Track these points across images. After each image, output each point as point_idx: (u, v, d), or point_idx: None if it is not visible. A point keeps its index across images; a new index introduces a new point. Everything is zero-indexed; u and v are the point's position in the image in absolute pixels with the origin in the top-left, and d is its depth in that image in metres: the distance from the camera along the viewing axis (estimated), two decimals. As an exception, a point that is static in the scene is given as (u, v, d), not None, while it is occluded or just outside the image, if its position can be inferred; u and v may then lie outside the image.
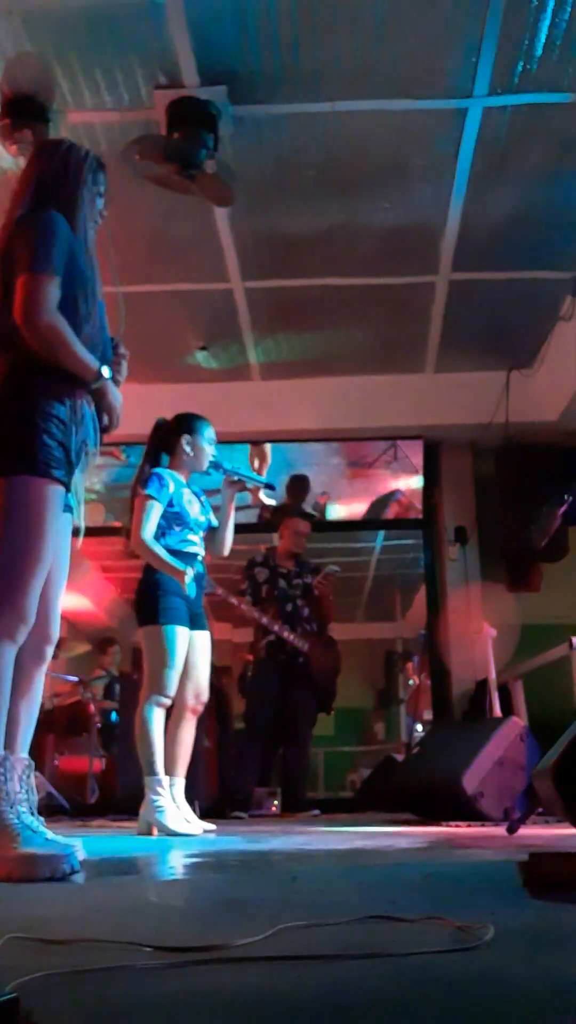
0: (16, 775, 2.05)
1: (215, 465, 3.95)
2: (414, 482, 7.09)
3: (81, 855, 1.98)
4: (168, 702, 3.70)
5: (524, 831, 3.12)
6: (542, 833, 3.31)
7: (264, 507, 6.95)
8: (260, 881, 1.98)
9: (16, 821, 1.98)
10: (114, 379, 2.38)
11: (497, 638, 4.91)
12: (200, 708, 3.85)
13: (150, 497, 3.74)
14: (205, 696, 3.86)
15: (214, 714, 5.70)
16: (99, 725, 6.45)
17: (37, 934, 1.11)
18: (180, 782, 3.75)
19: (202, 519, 3.91)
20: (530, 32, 3.63)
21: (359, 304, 5.70)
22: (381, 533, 8.59)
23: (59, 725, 6.43)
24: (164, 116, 3.93)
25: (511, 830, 3.07)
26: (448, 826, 3.84)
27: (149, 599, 3.75)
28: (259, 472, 6.73)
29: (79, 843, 2.05)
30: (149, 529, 3.71)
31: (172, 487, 3.80)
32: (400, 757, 6.18)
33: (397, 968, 0.97)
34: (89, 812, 5.49)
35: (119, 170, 4.02)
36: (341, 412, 6.60)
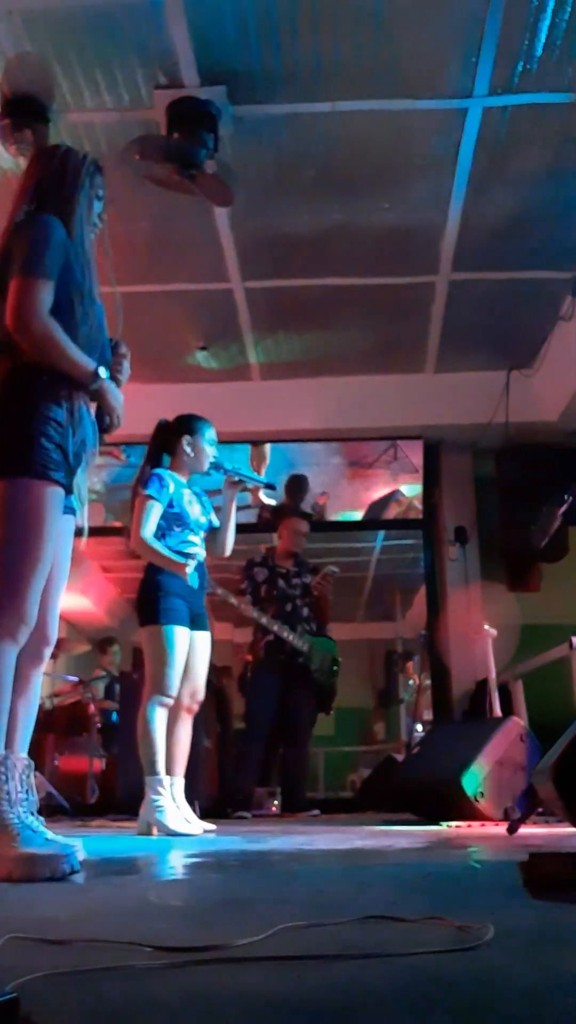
0: (16, 775, 2.06)
1: (216, 466, 3.95)
2: (414, 483, 7.09)
3: (81, 855, 1.98)
4: (170, 702, 3.71)
5: (524, 831, 3.12)
6: (542, 833, 3.31)
7: (263, 507, 6.96)
8: (260, 881, 1.98)
9: (16, 821, 1.98)
10: (116, 379, 2.40)
11: (497, 638, 4.91)
12: (196, 707, 3.87)
13: (150, 497, 3.75)
14: (201, 695, 3.88)
15: (214, 714, 5.71)
16: (99, 725, 6.45)
17: (37, 934, 1.11)
18: (180, 782, 3.76)
19: (203, 520, 3.92)
20: (530, 32, 3.63)
21: (359, 304, 5.70)
22: (381, 533, 8.59)
23: (59, 725, 6.44)
24: (164, 116, 3.93)
25: (511, 830, 3.07)
26: (448, 826, 3.84)
27: (150, 599, 3.76)
28: (258, 473, 6.73)
29: (79, 843, 2.05)
30: (149, 528, 3.72)
31: (172, 488, 3.81)
32: (400, 757, 6.18)
33: (397, 968, 0.97)
34: (89, 812, 5.49)
35: (119, 170, 4.03)
36: (341, 412, 6.60)
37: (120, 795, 5.03)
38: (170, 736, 3.74)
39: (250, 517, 6.83)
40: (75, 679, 6.78)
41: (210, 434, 3.98)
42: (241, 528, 4.10)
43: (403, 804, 4.63)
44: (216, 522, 3.98)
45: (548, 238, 5.00)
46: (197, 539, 3.88)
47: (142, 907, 1.55)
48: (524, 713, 5.24)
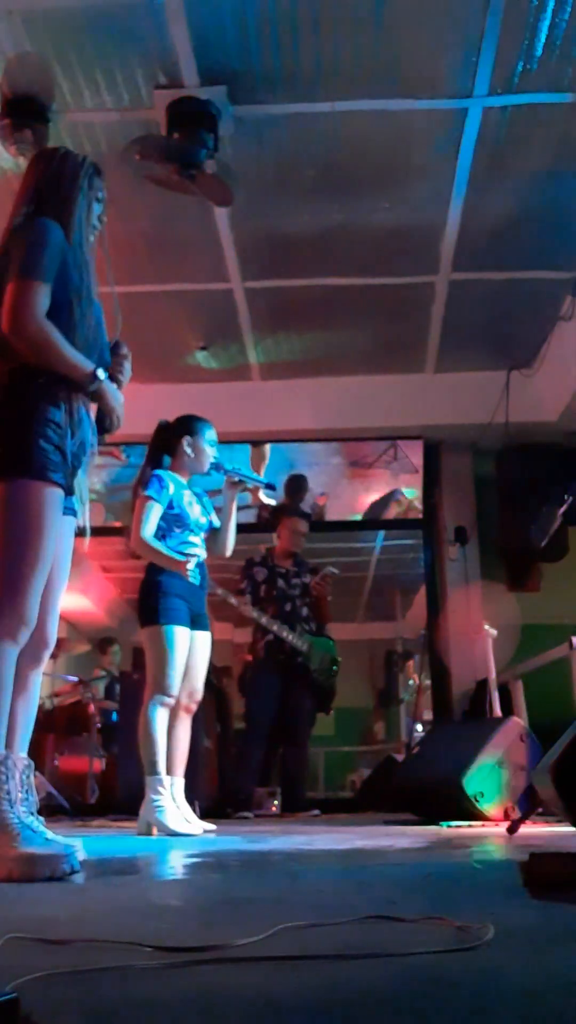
0: (16, 775, 2.06)
1: (216, 466, 3.96)
2: (413, 483, 7.08)
3: (81, 855, 1.98)
4: (172, 701, 3.72)
5: (524, 831, 3.12)
6: (542, 833, 3.31)
7: (263, 506, 6.95)
8: (260, 881, 1.98)
9: (16, 821, 1.98)
10: (117, 380, 2.41)
11: (497, 638, 4.91)
12: (194, 707, 3.87)
13: (150, 498, 3.76)
14: (199, 696, 3.89)
15: (214, 714, 5.71)
16: (99, 725, 6.45)
17: (37, 934, 1.11)
18: (180, 782, 3.76)
19: (203, 520, 3.93)
20: (530, 32, 3.63)
21: (359, 304, 5.70)
22: (381, 533, 8.59)
23: (59, 725, 6.44)
24: (164, 116, 3.93)
25: (511, 830, 3.07)
26: (448, 826, 3.84)
27: (150, 600, 3.77)
28: (257, 473, 6.73)
29: (79, 843, 2.06)
30: (149, 529, 3.73)
31: (172, 489, 3.81)
32: (400, 757, 6.17)
33: (397, 968, 0.97)
34: (89, 812, 5.48)
35: (119, 170, 4.03)
36: (341, 412, 6.60)
37: (120, 795, 5.03)
38: (169, 736, 3.75)
39: (249, 517, 6.83)
40: (75, 679, 6.78)
41: (210, 435, 3.98)
42: (241, 528, 4.10)
43: (403, 804, 4.63)
44: (217, 523, 3.98)
45: (548, 238, 5.00)
46: (197, 539, 3.88)
47: (142, 907, 1.55)
48: (524, 713, 5.24)
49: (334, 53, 3.73)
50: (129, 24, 3.57)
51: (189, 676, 3.82)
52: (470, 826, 3.80)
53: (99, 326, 2.37)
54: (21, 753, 2.15)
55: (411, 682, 9.62)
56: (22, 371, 2.20)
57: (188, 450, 3.91)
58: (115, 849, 2.90)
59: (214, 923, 1.35)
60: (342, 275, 5.42)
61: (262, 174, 4.49)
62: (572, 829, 2.47)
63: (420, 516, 7.11)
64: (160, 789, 3.60)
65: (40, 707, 2.79)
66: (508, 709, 5.16)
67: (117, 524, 6.51)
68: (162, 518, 3.78)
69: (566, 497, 4.01)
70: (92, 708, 6.38)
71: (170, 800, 3.62)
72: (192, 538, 3.85)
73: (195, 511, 3.89)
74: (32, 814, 2.07)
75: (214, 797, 5.39)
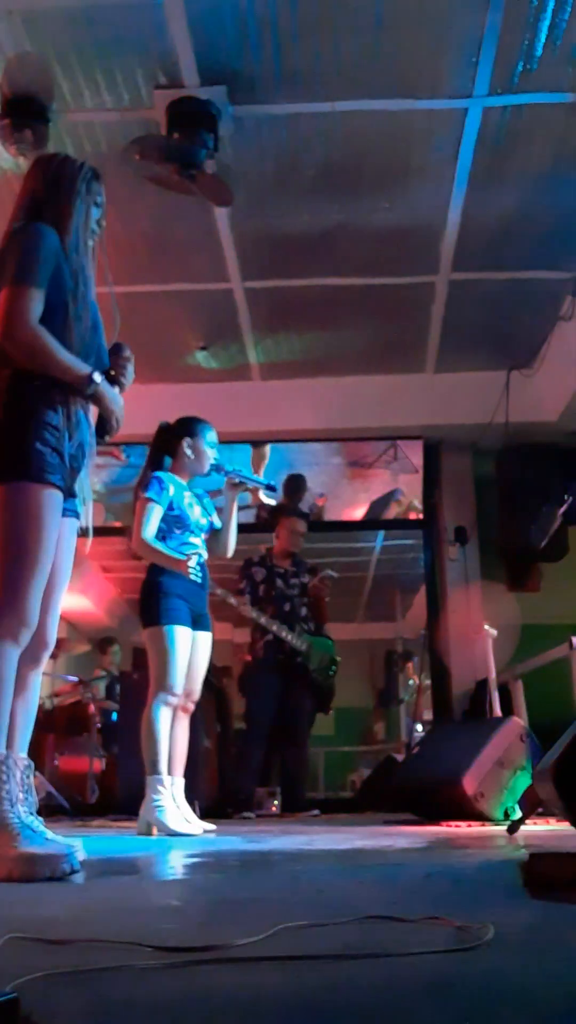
0: (17, 775, 2.06)
1: (216, 468, 3.97)
2: (414, 483, 7.08)
3: (81, 855, 1.99)
4: (176, 700, 3.73)
5: (524, 831, 3.12)
6: (542, 833, 3.31)
7: (262, 506, 6.95)
8: (260, 881, 1.98)
9: (16, 821, 1.98)
10: (119, 383, 2.42)
11: (497, 638, 4.91)
12: (191, 707, 3.88)
13: (150, 500, 3.77)
14: (196, 696, 3.90)
15: (214, 714, 5.71)
16: (99, 725, 6.45)
17: (37, 934, 1.11)
18: (179, 782, 3.76)
19: (203, 521, 3.94)
20: (530, 32, 3.63)
21: (359, 304, 5.70)
22: (381, 533, 8.59)
23: (59, 725, 6.44)
24: (164, 116, 3.93)
25: (511, 830, 3.07)
26: (448, 826, 3.84)
27: (151, 601, 3.78)
28: (257, 473, 6.73)
29: (79, 843, 2.06)
30: (150, 530, 3.74)
31: (172, 490, 3.82)
32: (400, 757, 6.18)
33: (397, 968, 0.97)
34: (89, 812, 5.48)
35: (119, 170, 4.04)
36: (341, 412, 6.60)
37: (120, 795, 5.03)
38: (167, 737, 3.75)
39: (249, 517, 6.83)
40: (75, 679, 6.78)
41: (211, 436, 3.99)
42: (241, 528, 4.11)
43: (403, 804, 4.63)
44: (218, 523, 3.99)
45: (548, 238, 5.00)
46: (198, 540, 3.89)
47: (142, 907, 1.55)
48: (524, 713, 5.24)
49: (334, 53, 3.73)
50: (129, 24, 3.57)
51: (188, 677, 3.81)
52: (470, 826, 3.80)
53: (96, 327, 2.37)
54: (21, 753, 2.16)
55: (411, 682, 9.62)
56: (18, 375, 2.21)
57: (188, 452, 3.92)
58: (115, 849, 2.90)
59: (214, 923, 1.35)
60: (342, 275, 5.42)
61: (262, 174, 4.49)
62: (572, 829, 2.47)
63: (420, 516, 7.11)
64: (160, 788, 3.60)
65: (40, 707, 2.79)
66: (508, 709, 5.16)
67: (117, 524, 6.51)
68: (162, 519, 3.79)
69: (566, 497, 4.01)
70: (92, 708, 6.38)
71: (170, 800, 3.62)
72: (193, 539, 3.86)
73: (195, 512, 3.89)
74: (32, 814, 2.07)
75: (214, 797, 5.38)
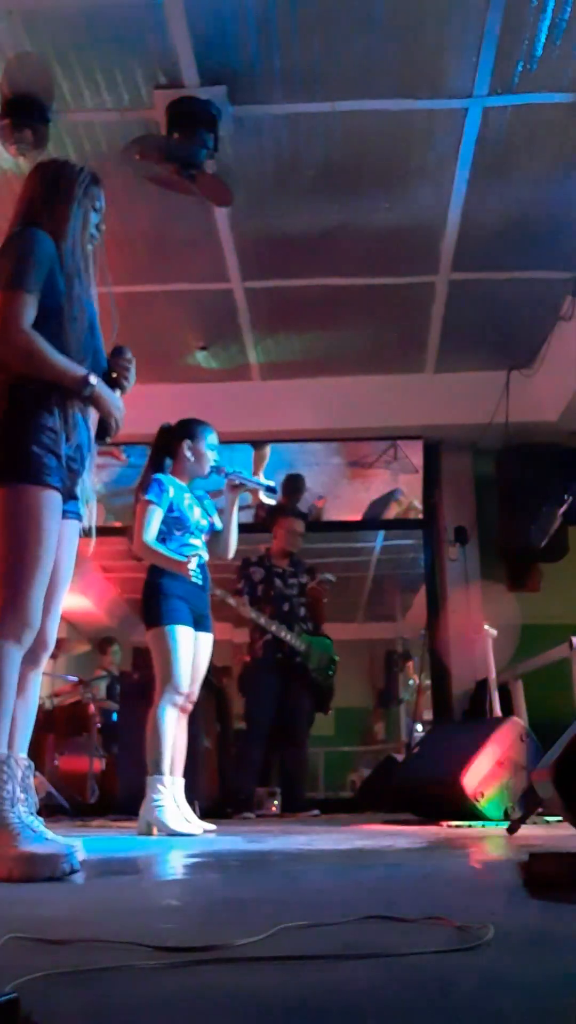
0: (17, 775, 2.06)
1: (217, 469, 3.97)
2: (414, 483, 7.08)
3: (81, 855, 1.99)
4: (182, 700, 3.74)
5: (524, 831, 3.12)
6: (542, 833, 3.31)
7: (261, 506, 6.95)
8: (260, 881, 1.98)
9: (16, 821, 1.99)
10: (121, 385, 2.42)
11: (497, 638, 4.91)
12: (190, 707, 3.89)
13: (150, 502, 3.78)
14: (195, 696, 3.90)
15: (214, 714, 5.71)
16: (99, 725, 6.45)
17: (37, 934, 1.11)
18: (179, 782, 3.77)
19: (204, 523, 3.94)
20: (530, 32, 3.63)
21: (359, 304, 5.70)
22: (381, 533, 8.59)
23: (59, 725, 6.43)
24: (164, 116, 3.93)
25: (511, 830, 3.07)
26: (448, 826, 3.85)
27: (152, 602, 3.79)
28: (256, 473, 6.73)
29: (79, 843, 2.06)
30: (150, 532, 3.75)
31: (172, 492, 3.83)
32: (400, 757, 6.18)
33: (397, 968, 0.97)
34: (89, 812, 5.48)
35: (119, 170, 4.04)
36: (341, 412, 6.60)
37: (120, 795, 5.03)
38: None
39: (248, 517, 6.83)
40: (75, 679, 6.78)
41: (211, 438, 3.99)
42: (241, 528, 4.11)
43: (403, 804, 4.63)
44: (219, 525, 4.00)
45: (548, 238, 5.00)
46: (198, 542, 3.90)
47: (142, 907, 1.55)
48: (524, 713, 5.24)
49: (334, 53, 3.73)
50: (129, 24, 3.57)
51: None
52: (470, 826, 3.80)
53: (93, 329, 2.38)
54: (21, 753, 2.16)
55: (411, 682, 9.62)
56: (14, 379, 2.22)
57: (189, 454, 3.93)
58: (115, 849, 2.90)
59: (214, 923, 1.35)
60: (342, 275, 5.42)
61: (262, 174, 4.49)
62: (572, 829, 2.47)
63: (420, 516, 7.11)
64: (160, 788, 3.60)
65: (40, 707, 2.79)
66: (508, 709, 5.16)
67: (117, 524, 6.51)
68: (163, 521, 3.80)
69: (566, 497, 4.02)
70: (92, 708, 6.37)
71: (170, 800, 3.62)
72: (193, 540, 3.87)
73: (196, 514, 3.90)
74: (32, 814, 2.08)
75: (214, 797, 5.38)
